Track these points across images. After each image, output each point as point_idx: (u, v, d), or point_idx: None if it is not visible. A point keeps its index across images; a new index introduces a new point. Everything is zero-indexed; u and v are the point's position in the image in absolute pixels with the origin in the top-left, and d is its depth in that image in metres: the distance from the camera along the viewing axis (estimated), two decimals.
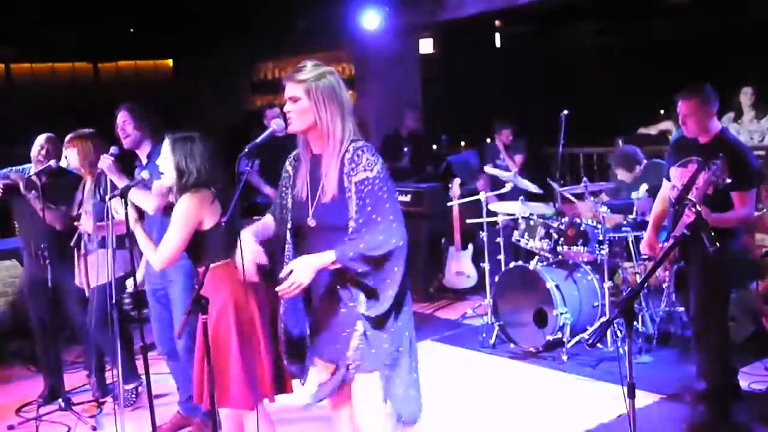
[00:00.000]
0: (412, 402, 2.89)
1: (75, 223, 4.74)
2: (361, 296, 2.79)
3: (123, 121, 4.45)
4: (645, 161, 5.77)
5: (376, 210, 2.73)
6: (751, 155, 4.13)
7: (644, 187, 5.50)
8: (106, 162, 4.21)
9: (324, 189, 2.80)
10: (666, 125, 8.22)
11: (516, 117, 7.74)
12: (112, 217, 3.80)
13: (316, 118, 2.77)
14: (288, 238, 2.93)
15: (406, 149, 8.25)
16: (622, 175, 5.78)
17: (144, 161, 4.48)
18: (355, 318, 2.80)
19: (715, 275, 4.08)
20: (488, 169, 6.97)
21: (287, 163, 3.00)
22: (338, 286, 2.83)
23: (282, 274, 2.76)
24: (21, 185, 4.72)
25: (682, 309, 5.18)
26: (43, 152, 4.91)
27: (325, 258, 2.73)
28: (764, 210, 5.53)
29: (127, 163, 4.51)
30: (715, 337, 4.16)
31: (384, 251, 2.71)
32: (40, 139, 4.98)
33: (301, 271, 2.72)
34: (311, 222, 2.85)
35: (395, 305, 2.80)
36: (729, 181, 3.63)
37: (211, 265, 3.33)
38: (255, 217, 7.40)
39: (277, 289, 2.77)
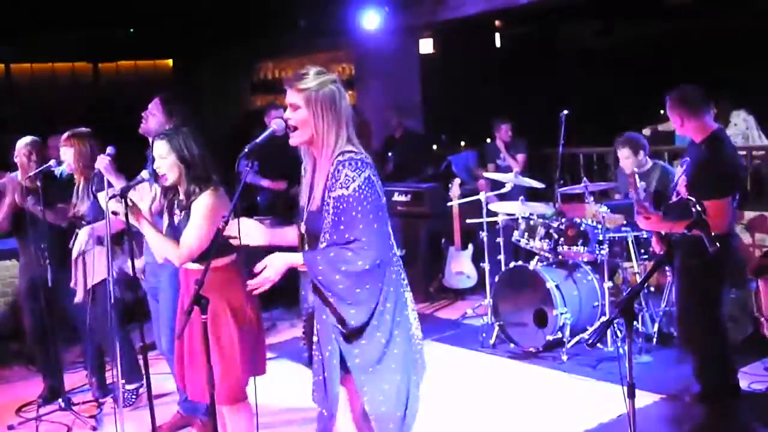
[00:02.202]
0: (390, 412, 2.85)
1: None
2: (330, 311, 2.79)
3: (151, 109, 4.42)
4: (653, 161, 5.72)
5: (349, 229, 2.71)
6: (730, 163, 4.07)
7: (643, 184, 5.48)
8: (103, 162, 4.21)
9: (313, 198, 2.82)
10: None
11: (516, 117, 7.73)
12: (109, 217, 3.79)
13: (312, 129, 2.77)
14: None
15: (390, 154, 8.25)
16: (627, 159, 5.65)
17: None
18: (330, 331, 2.82)
19: (701, 277, 4.06)
20: (487, 174, 6.96)
21: (302, 166, 3.01)
22: (319, 298, 2.85)
23: (257, 268, 2.79)
24: (17, 197, 4.69)
25: None
26: (33, 156, 4.88)
27: (295, 258, 2.77)
28: None
29: (129, 162, 4.51)
30: (706, 339, 4.15)
31: (350, 268, 2.69)
32: (22, 144, 4.93)
33: (272, 267, 2.77)
34: (302, 227, 2.90)
35: (371, 324, 2.77)
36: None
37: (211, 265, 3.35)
38: (255, 217, 7.43)
39: (249, 282, 2.82)
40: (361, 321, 2.75)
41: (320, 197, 2.78)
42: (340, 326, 2.78)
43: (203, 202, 3.42)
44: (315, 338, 2.94)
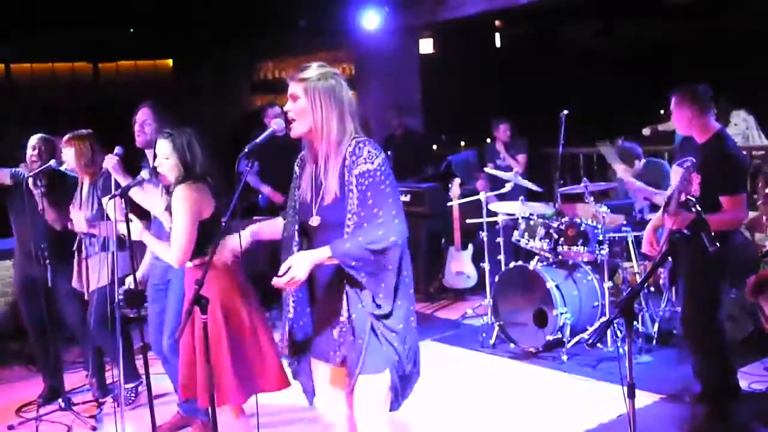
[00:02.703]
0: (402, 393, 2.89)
1: (69, 225, 4.73)
2: (366, 298, 2.74)
3: (143, 120, 4.46)
4: (644, 159, 5.76)
5: (378, 203, 2.69)
6: (742, 159, 4.11)
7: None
8: (111, 161, 4.23)
9: (326, 190, 2.79)
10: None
11: (516, 117, 7.73)
12: (109, 218, 3.80)
13: (311, 118, 2.76)
14: (296, 237, 2.91)
15: (389, 153, 8.25)
16: (623, 171, 5.72)
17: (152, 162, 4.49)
18: (366, 320, 2.75)
19: (703, 277, 4.06)
20: (488, 169, 6.97)
21: (296, 164, 3.00)
22: (344, 288, 2.78)
23: (281, 271, 2.72)
24: (30, 181, 4.71)
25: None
26: (36, 152, 4.90)
27: (322, 253, 2.71)
28: (759, 202, 5.49)
29: (127, 162, 4.52)
30: (706, 339, 4.15)
31: (381, 246, 2.67)
32: (33, 140, 4.96)
33: (298, 266, 2.69)
34: (314, 221, 2.83)
35: (396, 304, 2.76)
36: (692, 194, 3.68)
37: (197, 261, 3.36)
38: (255, 217, 7.41)
39: (273, 281, 2.73)
40: (390, 304, 2.73)
41: (337, 184, 2.75)
42: (374, 311, 2.73)
43: (178, 198, 3.41)
44: (344, 318, 2.82)
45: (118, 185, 4.17)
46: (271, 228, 3.05)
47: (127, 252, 4.60)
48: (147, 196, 4.03)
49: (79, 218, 4.65)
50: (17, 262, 5.19)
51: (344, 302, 2.79)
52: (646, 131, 8.52)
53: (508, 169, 7.17)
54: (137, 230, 3.51)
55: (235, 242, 2.96)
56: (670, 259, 4.25)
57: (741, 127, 7.59)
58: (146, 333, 4.25)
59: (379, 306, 2.73)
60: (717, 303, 4.14)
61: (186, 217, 3.38)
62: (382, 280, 2.72)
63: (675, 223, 3.99)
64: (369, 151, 2.72)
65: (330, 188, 2.77)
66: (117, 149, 4.30)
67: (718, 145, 4.02)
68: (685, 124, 4.09)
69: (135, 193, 3.86)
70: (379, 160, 2.73)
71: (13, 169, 5.05)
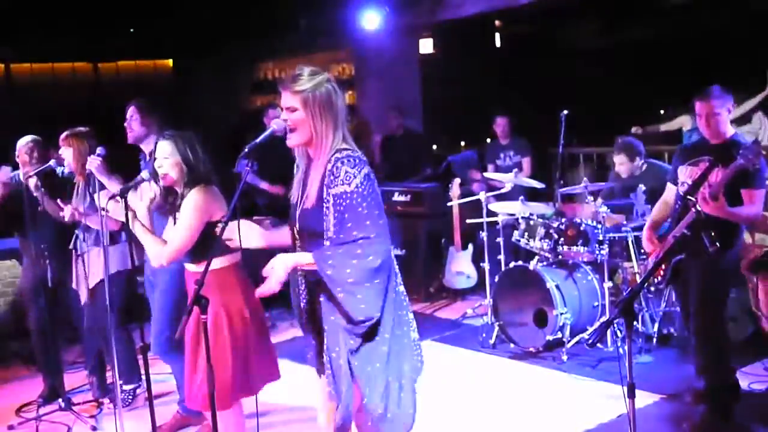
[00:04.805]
0: (399, 414, 2.84)
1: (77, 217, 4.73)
2: (340, 311, 2.74)
3: (131, 116, 4.51)
4: (644, 161, 5.75)
5: (356, 226, 2.69)
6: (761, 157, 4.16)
7: (642, 187, 5.50)
8: (94, 163, 4.23)
9: (308, 195, 2.81)
10: (682, 120, 8.19)
11: (516, 117, 7.73)
12: (103, 215, 3.80)
13: (311, 129, 2.77)
14: (292, 240, 2.96)
15: (387, 154, 8.25)
16: (621, 165, 5.69)
17: (149, 157, 4.50)
18: (338, 333, 2.77)
19: (715, 275, 4.08)
20: (487, 174, 6.97)
21: (296, 166, 3.01)
22: (323, 298, 2.80)
23: (265, 271, 2.77)
24: (32, 185, 4.71)
25: None
26: (35, 154, 4.90)
27: (303, 256, 2.77)
28: None
29: (128, 163, 4.52)
30: (713, 337, 4.16)
31: (361, 264, 2.67)
32: (22, 141, 4.95)
33: (280, 267, 2.75)
34: (297, 226, 2.88)
35: (375, 323, 2.75)
36: (758, 167, 3.73)
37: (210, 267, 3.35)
38: (255, 217, 7.42)
39: (257, 292, 2.79)
40: (371, 316, 2.72)
41: (316, 194, 2.77)
42: (349, 324, 2.73)
43: (190, 200, 3.43)
44: (324, 340, 2.84)
45: (102, 186, 4.19)
46: (280, 237, 3.06)
47: (119, 246, 4.63)
48: (139, 197, 4.03)
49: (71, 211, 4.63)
50: (26, 263, 5.17)
51: (327, 313, 2.78)
52: (665, 128, 8.45)
53: (509, 168, 7.17)
54: (135, 224, 3.51)
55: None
56: (682, 253, 4.26)
57: (755, 125, 7.61)
58: (146, 333, 4.25)
59: (351, 320, 2.72)
60: (724, 302, 4.18)
61: (191, 221, 3.39)
62: (358, 293, 2.70)
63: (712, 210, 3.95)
64: (347, 171, 2.71)
65: (311, 195, 2.80)
66: (99, 150, 4.29)
67: (736, 144, 4.05)
68: (721, 122, 4.08)
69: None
70: (357, 180, 2.70)
71: (12, 173, 5.04)
